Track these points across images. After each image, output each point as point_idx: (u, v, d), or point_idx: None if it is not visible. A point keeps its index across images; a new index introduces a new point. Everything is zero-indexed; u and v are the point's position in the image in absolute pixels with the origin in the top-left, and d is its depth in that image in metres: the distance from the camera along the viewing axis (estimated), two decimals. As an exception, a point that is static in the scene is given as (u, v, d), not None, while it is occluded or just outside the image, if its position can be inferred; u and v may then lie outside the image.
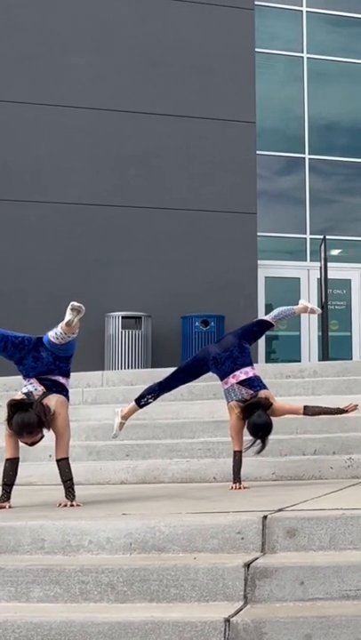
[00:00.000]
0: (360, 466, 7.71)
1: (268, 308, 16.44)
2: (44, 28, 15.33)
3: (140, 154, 15.43)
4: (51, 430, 6.43)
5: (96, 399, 10.13)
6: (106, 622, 4.35)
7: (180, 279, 15.11)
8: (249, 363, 7.41)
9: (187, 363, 7.96)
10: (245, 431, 7.16)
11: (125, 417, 7.55)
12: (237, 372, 7.30)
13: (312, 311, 8.23)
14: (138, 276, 14.98)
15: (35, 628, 4.36)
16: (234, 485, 7.07)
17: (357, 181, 17.44)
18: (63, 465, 6.38)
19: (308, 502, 5.74)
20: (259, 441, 7.08)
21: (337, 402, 9.10)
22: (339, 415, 7.60)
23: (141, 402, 7.55)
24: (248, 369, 7.34)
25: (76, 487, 6.42)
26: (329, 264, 15.53)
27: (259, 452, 7.12)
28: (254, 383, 7.28)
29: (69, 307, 6.30)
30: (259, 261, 15.89)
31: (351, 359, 15.74)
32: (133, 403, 7.57)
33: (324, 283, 15.42)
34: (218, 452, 8.12)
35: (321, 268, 15.52)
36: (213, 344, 7.83)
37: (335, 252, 15.97)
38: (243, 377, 7.28)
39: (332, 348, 15.36)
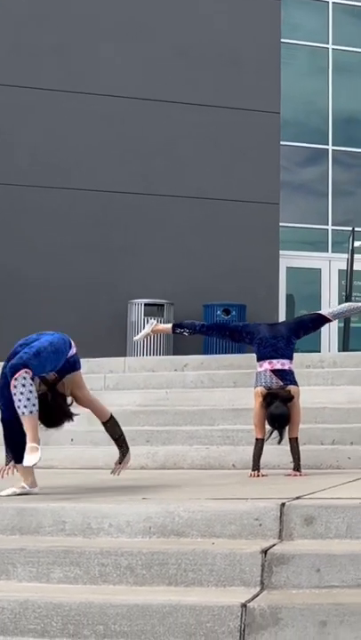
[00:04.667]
0: (378, 456, 7.75)
1: (289, 299, 16.47)
2: (73, 17, 15.38)
3: (164, 142, 15.47)
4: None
5: (118, 385, 10.19)
6: (124, 604, 4.41)
7: (202, 268, 15.16)
8: (289, 356, 7.40)
9: (236, 325, 8.07)
10: None
11: (155, 331, 7.78)
12: (275, 361, 7.29)
13: None
14: (161, 263, 15.04)
15: (54, 608, 4.43)
16: (253, 473, 7.13)
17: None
18: (111, 424, 6.41)
19: (325, 491, 5.79)
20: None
21: (357, 392, 9.17)
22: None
23: (177, 330, 7.78)
24: (286, 361, 7.33)
25: (96, 472, 6.52)
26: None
27: (279, 442, 7.18)
28: (287, 376, 7.27)
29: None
30: (280, 251, 15.91)
31: (372, 351, 15.70)
32: (170, 324, 7.90)
33: (350, 274, 15.40)
34: (237, 439, 8.17)
35: (348, 259, 15.50)
36: (266, 325, 7.80)
37: (356, 244, 15.95)
38: (278, 367, 7.28)
39: (353, 339, 15.36)
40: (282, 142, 16.14)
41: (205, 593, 4.54)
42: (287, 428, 7.15)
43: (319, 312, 8.17)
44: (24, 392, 5.76)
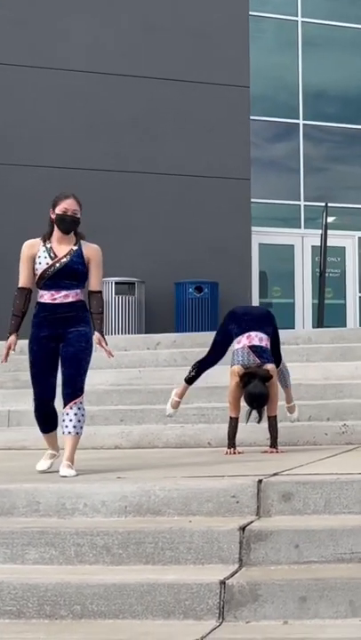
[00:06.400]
0: (354, 432, 7.75)
1: (262, 276, 16.42)
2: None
3: (134, 118, 15.31)
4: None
5: (90, 364, 10.09)
6: (101, 584, 4.38)
7: (173, 245, 15.04)
8: (267, 332, 7.27)
9: (216, 336, 7.71)
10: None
11: (180, 395, 7.54)
12: (253, 334, 7.14)
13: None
14: (131, 241, 14.90)
15: (30, 589, 4.39)
16: (228, 450, 7.07)
17: (353, 148, 17.35)
18: (98, 297, 6.40)
19: (303, 467, 5.78)
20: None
21: (332, 369, 9.16)
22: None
23: (193, 381, 7.56)
24: (264, 336, 7.20)
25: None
26: (323, 231, 15.51)
27: (258, 421, 7.10)
28: (264, 354, 7.14)
29: None
30: (253, 228, 15.84)
31: (345, 327, 15.74)
32: (184, 385, 7.57)
33: (324, 251, 15.36)
34: (212, 417, 8.12)
35: (322, 235, 15.46)
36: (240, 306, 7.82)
37: (330, 220, 15.92)
38: (256, 342, 7.14)
39: (326, 315, 15.36)
40: (252, 117, 16.03)
41: (183, 571, 4.52)
42: (265, 406, 7.07)
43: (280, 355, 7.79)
44: (85, 414, 6.25)
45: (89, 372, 9.71)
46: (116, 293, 14.18)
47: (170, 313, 14.65)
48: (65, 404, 6.16)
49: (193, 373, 7.54)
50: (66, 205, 6.28)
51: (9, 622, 4.34)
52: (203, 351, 9.81)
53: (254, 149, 16.12)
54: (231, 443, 7.11)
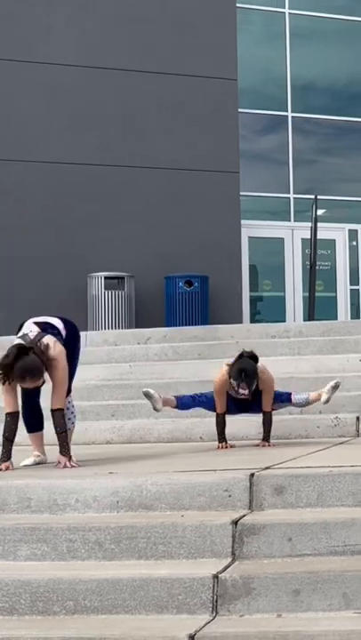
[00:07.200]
0: (346, 425, 7.74)
1: (252, 269, 16.41)
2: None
3: (121, 111, 15.25)
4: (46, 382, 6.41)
5: (80, 359, 10.06)
6: (94, 579, 4.36)
7: (163, 239, 15.00)
8: None
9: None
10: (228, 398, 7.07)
11: (163, 402, 7.25)
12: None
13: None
14: (120, 236, 14.87)
15: (23, 585, 4.38)
16: (220, 445, 7.07)
17: (342, 140, 17.34)
18: (58, 416, 6.19)
19: (295, 460, 5.77)
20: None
21: (323, 361, 9.14)
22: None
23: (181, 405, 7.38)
24: None
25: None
26: (313, 224, 15.49)
27: (250, 401, 6.90)
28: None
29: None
30: (242, 221, 15.81)
31: (336, 319, 15.73)
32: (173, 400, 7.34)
33: (314, 243, 15.35)
34: (204, 411, 8.05)
35: (311, 228, 15.44)
36: None
37: (320, 212, 15.90)
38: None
39: (317, 308, 15.36)
40: (240, 110, 15.98)
41: (176, 565, 4.51)
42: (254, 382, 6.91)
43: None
44: (75, 408, 6.88)
45: (80, 367, 9.69)
46: (105, 288, 14.15)
47: (160, 307, 14.63)
48: None
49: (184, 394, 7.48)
50: (24, 386, 6.15)
51: (1, 619, 4.32)
52: (193, 345, 9.87)
53: (243, 142, 16.08)
54: (221, 437, 7.10)
